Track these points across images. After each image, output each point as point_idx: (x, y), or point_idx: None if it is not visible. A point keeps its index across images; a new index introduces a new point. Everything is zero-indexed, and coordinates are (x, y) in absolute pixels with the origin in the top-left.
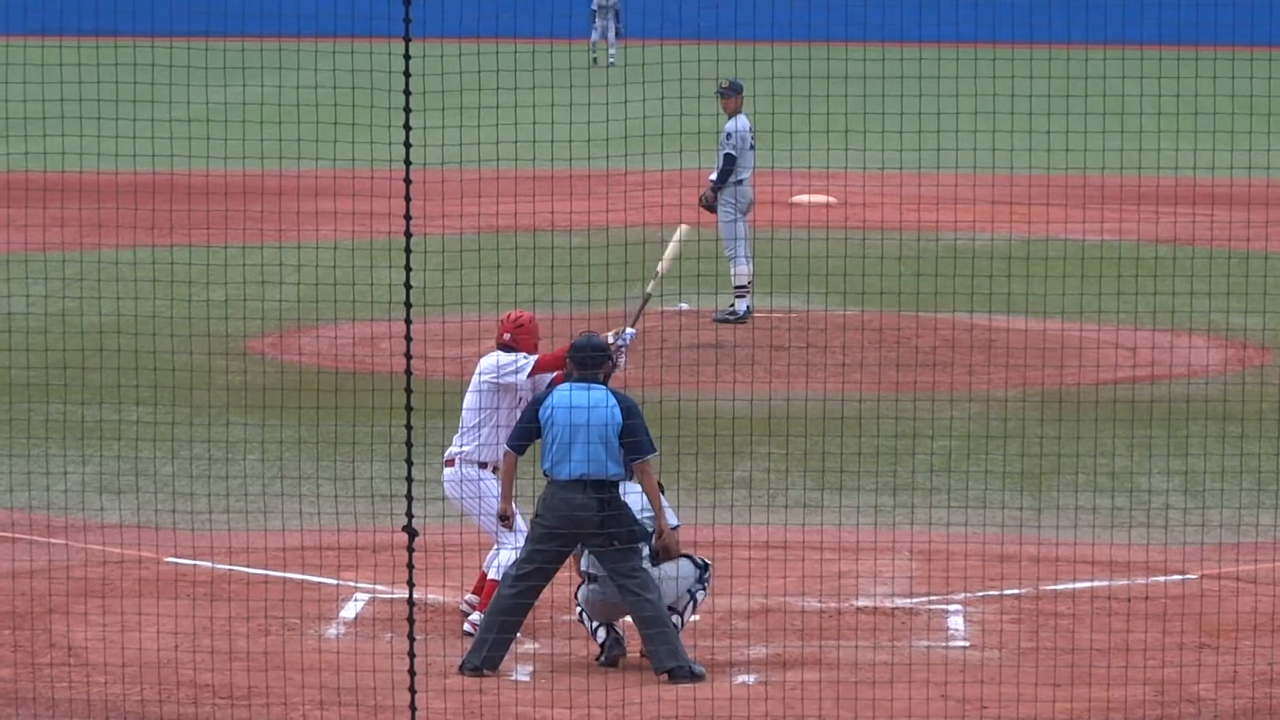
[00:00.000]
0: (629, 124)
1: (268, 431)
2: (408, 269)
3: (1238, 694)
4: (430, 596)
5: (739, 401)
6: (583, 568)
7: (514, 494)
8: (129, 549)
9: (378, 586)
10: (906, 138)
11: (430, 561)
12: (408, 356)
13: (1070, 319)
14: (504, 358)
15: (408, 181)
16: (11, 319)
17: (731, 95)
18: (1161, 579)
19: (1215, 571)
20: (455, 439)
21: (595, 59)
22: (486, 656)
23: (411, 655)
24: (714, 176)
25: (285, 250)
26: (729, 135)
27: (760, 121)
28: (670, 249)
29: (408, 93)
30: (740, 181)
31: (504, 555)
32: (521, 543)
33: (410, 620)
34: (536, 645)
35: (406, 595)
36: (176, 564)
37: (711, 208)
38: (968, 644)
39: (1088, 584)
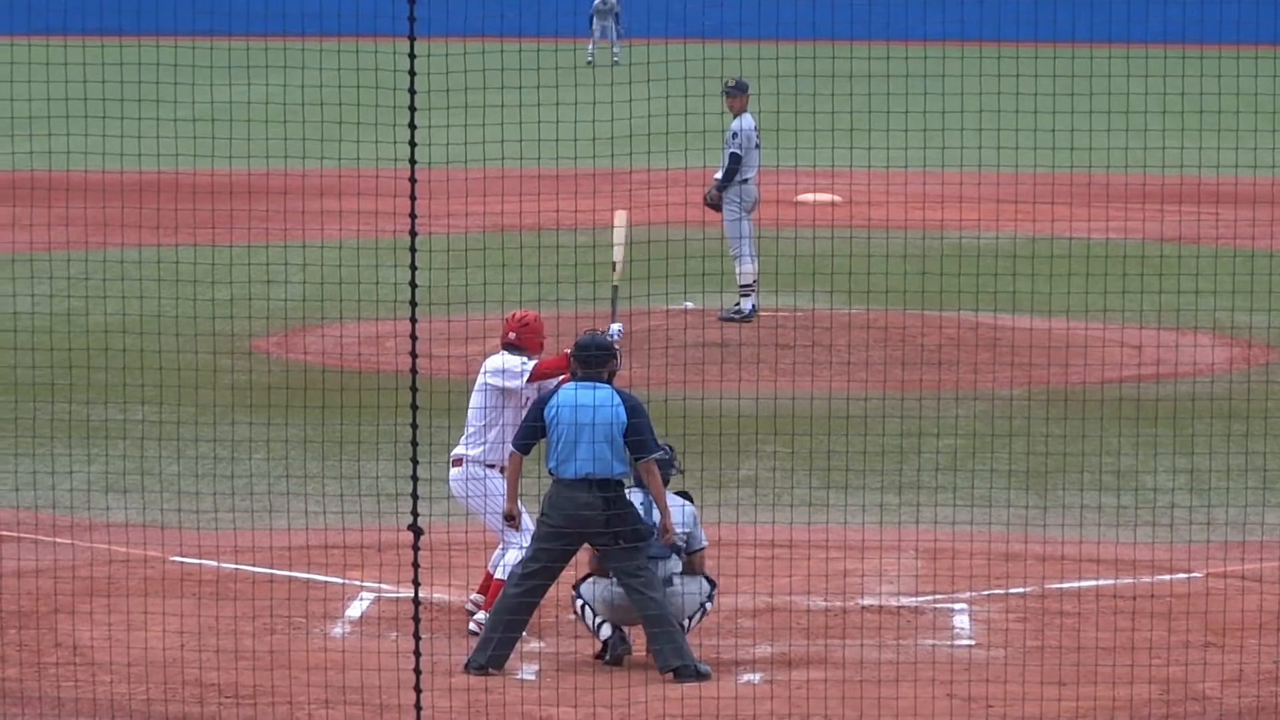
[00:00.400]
0: (634, 122)
1: (273, 430)
2: (413, 268)
3: (1243, 692)
4: (435, 595)
5: (744, 400)
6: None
7: (520, 493)
8: (135, 548)
9: (383, 585)
10: (912, 136)
11: (435, 560)
12: (413, 355)
13: (1075, 317)
14: (508, 360)
15: (413, 180)
16: (17, 318)
17: (737, 94)
18: (1167, 577)
19: (1221, 570)
20: (462, 439)
21: (592, 59)
22: (492, 655)
23: (417, 654)
24: (719, 175)
25: (291, 249)
26: (734, 134)
27: (765, 120)
28: (617, 235)
29: (413, 91)
30: (745, 180)
31: (510, 555)
32: (527, 542)
33: (415, 619)
34: (542, 644)
35: (412, 594)
36: (182, 563)
37: (716, 206)
38: (973, 643)
39: (1093, 583)
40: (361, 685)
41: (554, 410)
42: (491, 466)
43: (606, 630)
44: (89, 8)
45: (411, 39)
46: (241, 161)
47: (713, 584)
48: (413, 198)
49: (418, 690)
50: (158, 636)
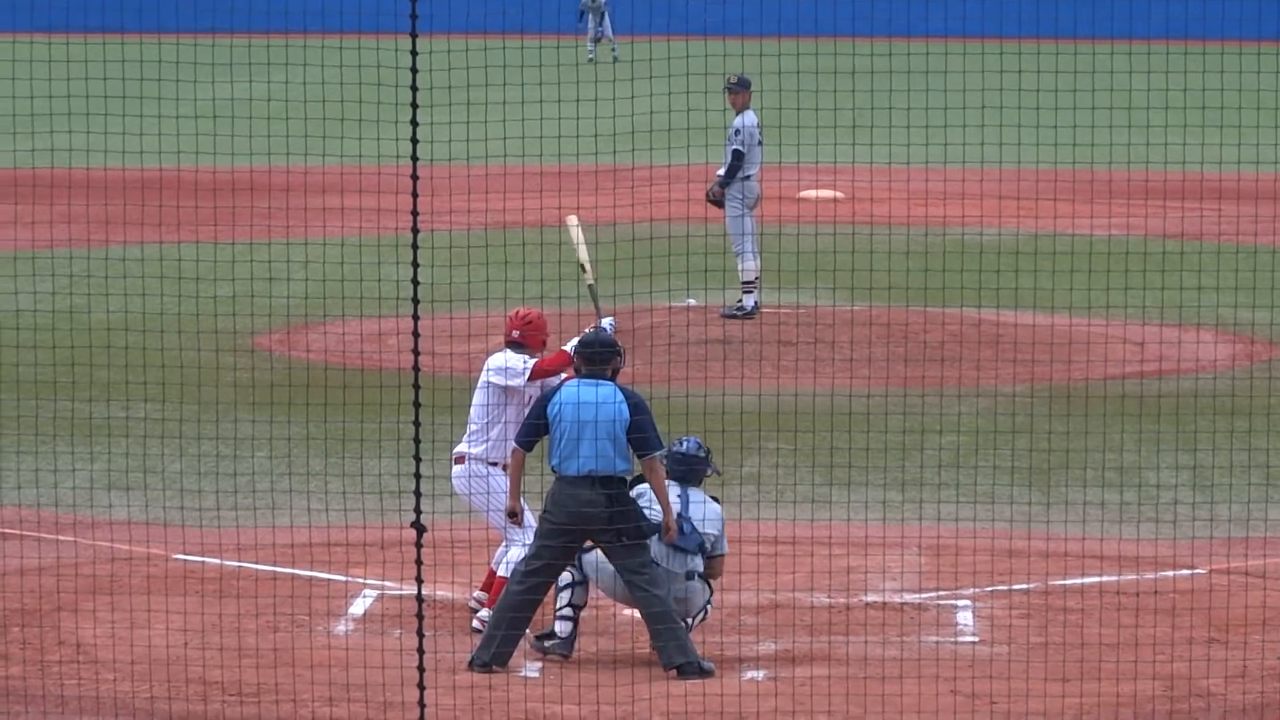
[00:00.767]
0: (635, 119)
1: (276, 428)
2: (415, 265)
3: (1247, 689)
4: (439, 593)
5: (747, 397)
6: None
7: (523, 490)
8: (137, 546)
9: (386, 583)
10: (914, 132)
11: (439, 558)
12: (415, 353)
13: (1079, 314)
14: (511, 358)
15: (415, 177)
16: (20, 316)
17: (739, 91)
18: (1170, 574)
19: (1224, 566)
20: (464, 437)
21: (593, 56)
22: (495, 653)
23: (420, 651)
24: (722, 172)
25: (293, 247)
26: (737, 131)
27: (768, 116)
28: (575, 235)
29: (415, 88)
30: (748, 177)
31: (513, 552)
32: (530, 539)
33: (419, 616)
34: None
35: (415, 591)
36: (185, 561)
37: (718, 203)
38: (977, 639)
39: (1097, 579)
40: (365, 683)
41: (557, 407)
42: (494, 464)
43: (564, 628)
44: (90, 5)
45: (413, 36)
46: (243, 158)
47: (711, 590)
48: (414, 194)
49: (421, 688)
50: (160, 634)
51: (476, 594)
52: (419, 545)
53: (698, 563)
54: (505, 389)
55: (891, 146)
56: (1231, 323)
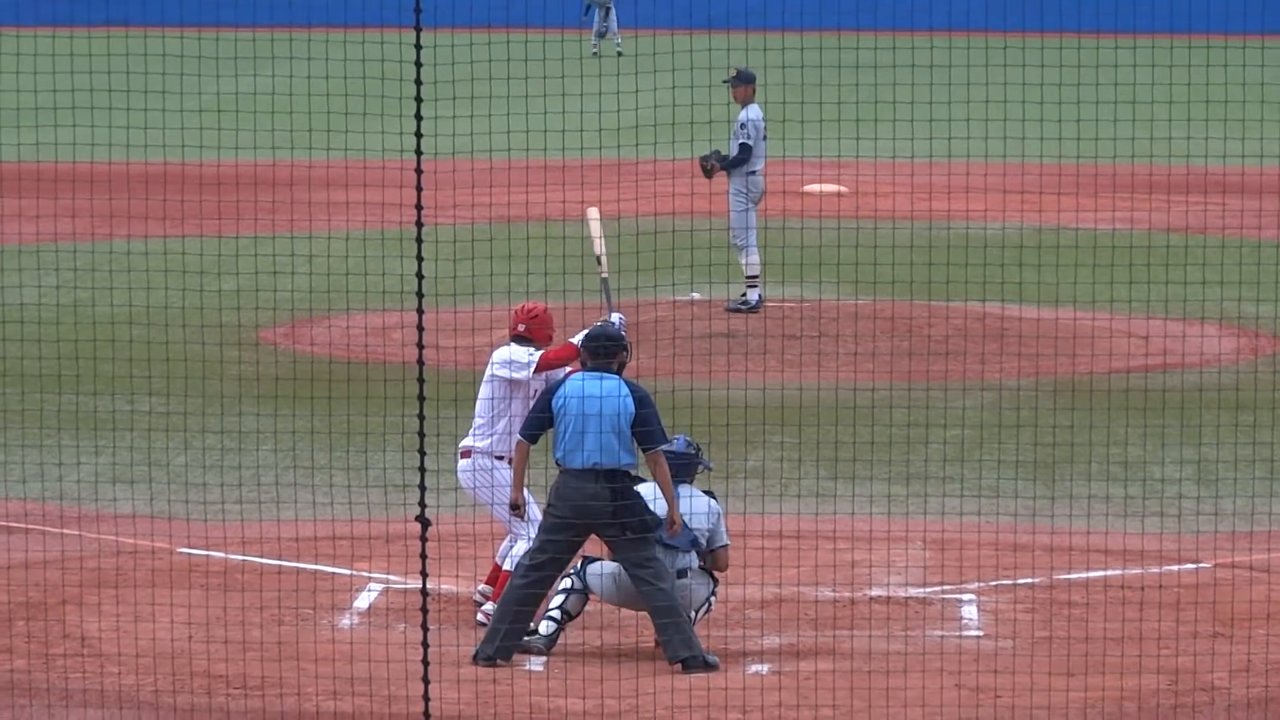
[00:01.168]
0: (640, 113)
1: (280, 422)
2: (419, 259)
3: (1251, 682)
4: (443, 587)
5: (752, 391)
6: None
7: (527, 484)
8: (142, 539)
9: (391, 577)
10: (918, 126)
11: (443, 551)
12: (420, 346)
13: (1082, 308)
14: (516, 352)
15: (419, 171)
16: (24, 309)
17: (741, 84)
18: (1175, 568)
19: (1228, 560)
20: (470, 431)
21: (597, 50)
22: (500, 647)
23: (425, 645)
24: (727, 155)
25: (297, 241)
26: (743, 125)
27: (771, 110)
28: (594, 229)
29: (419, 82)
30: (753, 172)
31: (519, 546)
32: (535, 533)
33: (424, 610)
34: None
35: (420, 585)
36: (189, 554)
37: (708, 172)
38: (981, 633)
39: (1101, 573)
40: (370, 676)
41: (562, 400)
42: (500, 458)
43: (548, 627)
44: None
45: (418, 30)
46: (248, 152)
47: (715, 581)
48: (419, 188)
49: (426, 681)
50: (166, 628)
51: (481, 587)
52: (424, 539)
53: (690, 559)
54: (511, 382)
55: (895, 140)
56: (1236, 317)
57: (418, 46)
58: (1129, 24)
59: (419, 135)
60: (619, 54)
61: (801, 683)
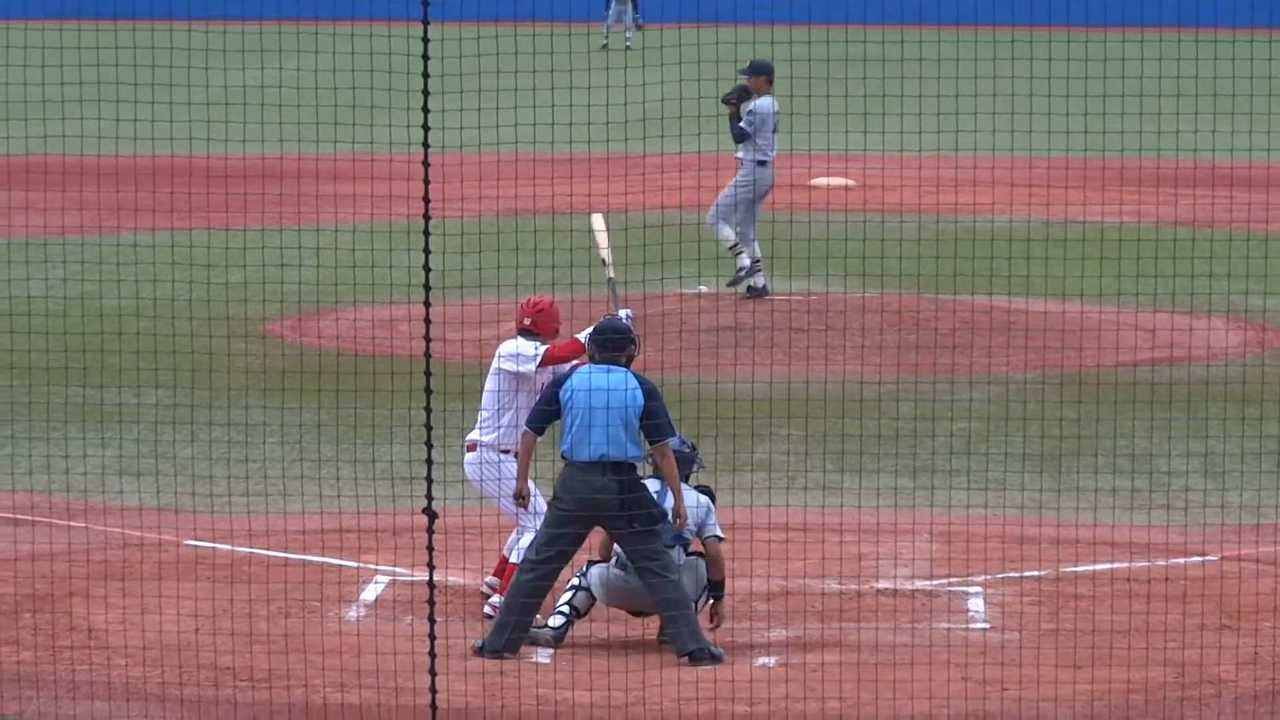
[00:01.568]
0: (647, 106)
1: (287, 414)
2: (427, 251)
3: (1258, 675)
4: (450, 579)
5: (758, 384)
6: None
7: (534, 476)
8: (149, 532)
9: (398, 569)
10: (925, 120)
11: (450, 544)
12: (427, 339)
13: (1089, 301)
14: (523, 345)
15: (426, 164)
16: (31, 302)
17: (753, 75)
18: (1181, 561)
19: (1235, 553)
20: (476, 424)
21: (606, 43)
22: (507, 639)
23: (432, 638)
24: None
25: (304, 233)
26: (751, 111)
27: (780, 104)
28: (600, 241)
29: (426, 75)
30: (763, 163)
31: (526, 539)
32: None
33: (430, 603)
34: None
35: (427, 578)
36: (196, 547)
37: (729, 103)
38: (988, 626)
39: (1108, 566)
40: (376, 669)
41: (569, 392)
42: (506, 452)
43: (557, 620)
44: None
45: (425, 23)
46: (255, 145)
47: (708, 581)
48: (426, 181)
49: (433, 674)
50: (172, 620)
51: (488, 580)
52: (430, 531)
53: (678, 556)
54: (516, 376)
55: (903, 134)
56: (1243, 310)
57: (425, 39)
58: (1136, 17)
59: (426, 128)
60: (627, 48)
61: (808, 675)
